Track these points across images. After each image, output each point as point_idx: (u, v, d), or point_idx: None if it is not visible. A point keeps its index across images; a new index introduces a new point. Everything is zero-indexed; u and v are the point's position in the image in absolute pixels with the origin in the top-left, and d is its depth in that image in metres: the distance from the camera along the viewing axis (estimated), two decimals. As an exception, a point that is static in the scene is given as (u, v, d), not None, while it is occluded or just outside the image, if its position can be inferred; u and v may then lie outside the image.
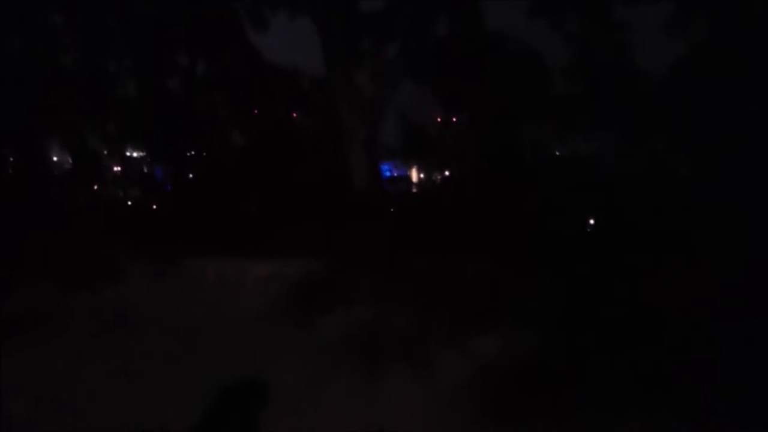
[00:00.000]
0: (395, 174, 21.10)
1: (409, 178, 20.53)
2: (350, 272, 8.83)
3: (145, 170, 18.07)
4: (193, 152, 15.90)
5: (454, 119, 15.74)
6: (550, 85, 12.90)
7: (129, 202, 16.82)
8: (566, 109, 12.59)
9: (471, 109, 13.70)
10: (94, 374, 6.41)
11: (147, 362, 6.64)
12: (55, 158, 17.51)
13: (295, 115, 15.99)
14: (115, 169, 18.63)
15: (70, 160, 15.94)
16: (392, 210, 13.06)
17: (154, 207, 15.37)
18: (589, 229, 11.49)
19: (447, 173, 16.95)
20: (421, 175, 19.79)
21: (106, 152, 16.90)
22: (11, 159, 14.38)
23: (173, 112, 14.40)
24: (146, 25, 13.19)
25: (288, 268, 9.06)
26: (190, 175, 15.71)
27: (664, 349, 5.76)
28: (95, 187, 16.93)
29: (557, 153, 14.58)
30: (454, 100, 13.79)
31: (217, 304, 8.36)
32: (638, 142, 11.88)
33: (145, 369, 6.49)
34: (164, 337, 7.24)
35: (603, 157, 13.17)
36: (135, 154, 19.54)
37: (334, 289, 8.45)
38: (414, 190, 18.95)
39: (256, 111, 15.28)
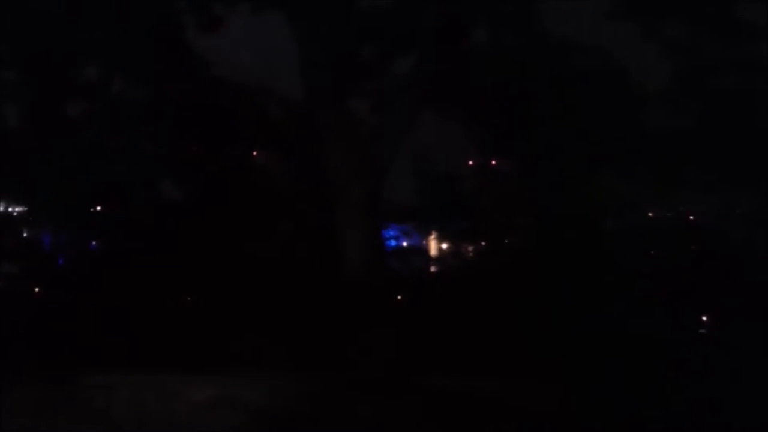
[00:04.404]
0: (404, 243, 21.06)
1: (425, 250, 20.55)
2: (339, 400, 8.80)
3: (25, 234, 18.14)
4: (101, 210, 16.00)
5: (494, 163, 15.94)
6: (641, 117, 13.11)
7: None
8: (666, 152, 12.75)
9: (522, 149, 13.88)
10: None
11: None
12: None
13: (256, 154, 16.18)
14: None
15: None
16: (401, 298, 13.09)
17: (37, 290, 15.36)
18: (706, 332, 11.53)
19: (484, 244, 17.01)
20: (444, 246, 19.82)
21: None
22: None
23: (72, 150, 14.55)
24: (37, 21, 13.40)
25: (245, 392, 9.02)
26: (96, 244, 15.76)
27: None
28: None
29: (651, 215, 14.68)
30: (497, 137, 13.99)
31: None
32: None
33: None
34: None
35: (721, 223, 13.27)
36: (10, 209, 19.61)
37: (315, 425, 8.38)
38: (434, 267, 18.94)
39: (197, 150, 15.47)
